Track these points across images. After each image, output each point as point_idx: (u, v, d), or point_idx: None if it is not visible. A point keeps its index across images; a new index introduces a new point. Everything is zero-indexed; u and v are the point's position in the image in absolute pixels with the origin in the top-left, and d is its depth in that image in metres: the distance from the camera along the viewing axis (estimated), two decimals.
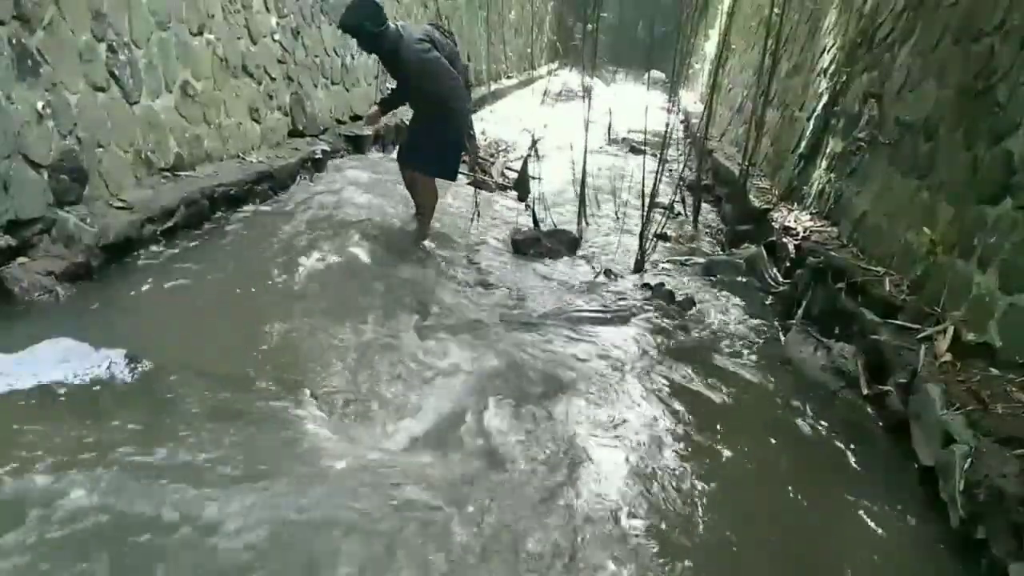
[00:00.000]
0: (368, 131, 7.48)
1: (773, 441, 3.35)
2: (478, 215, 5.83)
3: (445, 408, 3.12)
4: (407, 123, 5.78)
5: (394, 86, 5.55)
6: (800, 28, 7.48)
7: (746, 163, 6.71)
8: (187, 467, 2.41)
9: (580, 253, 5.68)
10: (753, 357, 4.03)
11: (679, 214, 7.04)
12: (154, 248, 4.26)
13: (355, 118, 8.12)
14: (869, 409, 3.34)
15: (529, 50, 20.58)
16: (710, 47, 14.86)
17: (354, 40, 5.25)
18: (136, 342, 3.11)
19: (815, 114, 5.98)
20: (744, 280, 5.33)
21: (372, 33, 4.80)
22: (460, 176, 5.80)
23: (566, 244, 5.67)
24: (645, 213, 5.53)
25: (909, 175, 4.10)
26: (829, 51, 6.22)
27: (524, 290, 4.72)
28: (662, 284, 4.92)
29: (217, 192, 4.98)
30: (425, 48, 4.86)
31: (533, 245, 5.54)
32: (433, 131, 5.15)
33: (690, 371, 3.78)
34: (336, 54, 7.92)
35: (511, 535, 2.35)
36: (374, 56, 5.44)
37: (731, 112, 10.28)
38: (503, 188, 7.41)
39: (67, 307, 3.43)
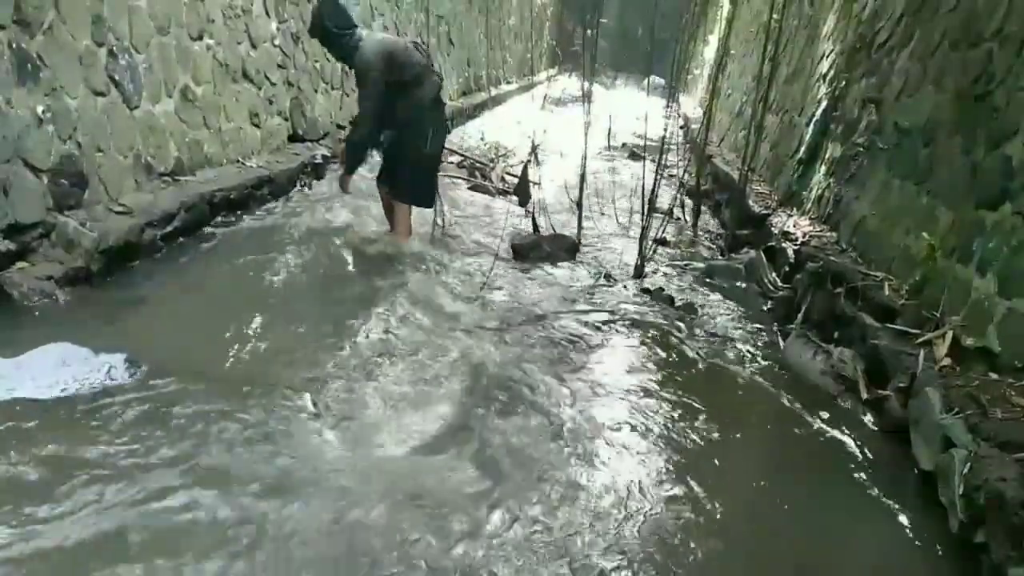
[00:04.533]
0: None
1: (772, 445, 3.36)
2: (445, 220, 5.61)
3: (445, 413, 3.12)
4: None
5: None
6: (799, 34, 7.50)
7: (745, 168, 6.72)
8: (186, 470, 2.40)
9: (580, 258, 5.68)
10: (752, 362, 4.03)
11: (679, 219, 7.06)
12: (154, 253, 4.26)
13: (355, 123, 8.11)
14: (868, 414, 3.34)
15: (529, 55, 20.63)
16: (709, 53, 14.90)
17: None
18: (136, 346, 3.11)
19: (814, 119, 6.00)
20: (743, 285, 5.33)
21: (336, 34, 4.71)
22: (459, 181, 5.77)
23: (566, 249, 5.68)
24: (645, 218, 5.54)
25: (908, 180, 4.11)
26: (828, 56, 6.23)
27: (524, 295, 4.73)
28: (662, 289, 4.92)
29: (217, 197, 4.99)
30: (387, 43, 4.79)
31: (533, 250, 5.55)
32: (406, 149, 4.95)
33: (690, 376, 3.78)
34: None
35: (509, 535, 2.35)
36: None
37: (730, 117, 10.30)
38: (503, 193, 7.42)
39: (67, 311, 3.43)
